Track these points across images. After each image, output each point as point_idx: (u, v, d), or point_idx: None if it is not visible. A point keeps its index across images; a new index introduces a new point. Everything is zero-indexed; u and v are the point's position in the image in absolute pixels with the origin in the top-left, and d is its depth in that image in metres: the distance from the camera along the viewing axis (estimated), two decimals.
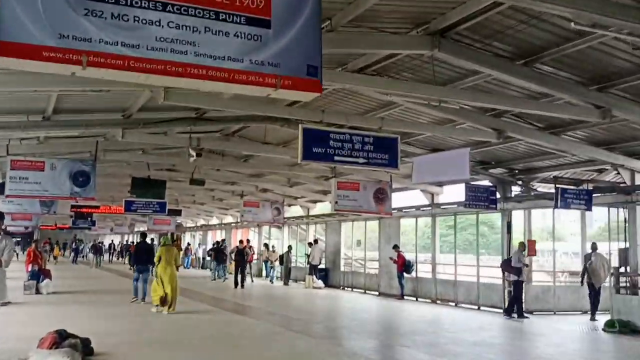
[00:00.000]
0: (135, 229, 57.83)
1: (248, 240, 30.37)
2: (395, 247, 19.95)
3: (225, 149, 17.53)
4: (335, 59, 9.13)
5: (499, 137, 11.50)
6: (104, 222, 55.37)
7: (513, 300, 14.72)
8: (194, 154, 13.03)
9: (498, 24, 7.98)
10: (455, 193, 19.68)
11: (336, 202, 17.31)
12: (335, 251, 25.06)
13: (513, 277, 14.64)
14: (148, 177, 19.39)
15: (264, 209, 26.20)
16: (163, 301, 13.22)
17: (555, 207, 13.26)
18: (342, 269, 24.71)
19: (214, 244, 32.82)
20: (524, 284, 14.80)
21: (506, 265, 14.84)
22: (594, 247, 14.56)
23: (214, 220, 41.08)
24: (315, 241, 24.62)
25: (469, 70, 9.35)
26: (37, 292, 17.77)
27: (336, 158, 10.35)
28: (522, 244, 14.98)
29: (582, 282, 14.36)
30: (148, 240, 19.10)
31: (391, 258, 19.89)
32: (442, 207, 18.88)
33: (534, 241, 16.02)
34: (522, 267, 14.56)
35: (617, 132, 12.02)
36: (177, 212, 32.40)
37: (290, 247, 26.33)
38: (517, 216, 16.87)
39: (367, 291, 22.38)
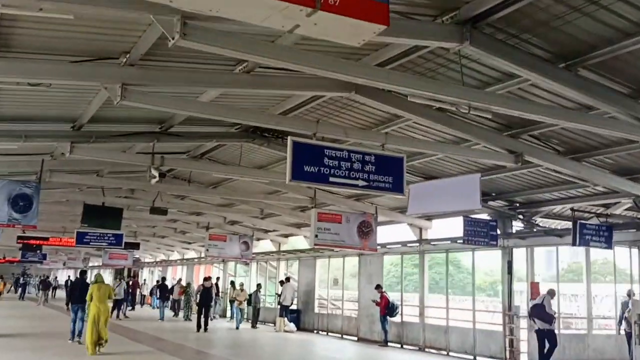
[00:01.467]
0: (90, 264, 54.62)
1: (218, 278, 28.16)
2: (378, 287, 18.04)
3: (193, 172, 15.52)
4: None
5: (516, 160, 9.83)
6: (56, 256, 52.05)
7: (550, 351, 12.67)
8: (156, 174, 11.01)
9: (544, 11, 6.37)
10: (445, 228, 18.05)
11: (316, 236, 15.37)
12: (309, 290, 22.97)
13: (544, 326, 12.71)
14: (102, 204, 17.15)
15: (231, 243, 24.01)
16: (96, 343, 13.11)
17: (574, 244, 11.62)
18: (316, 310, 22.59)
19: (157, 281, 30.57)
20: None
21: (539, 312, 12.75)
22: (630, 293, 13.03)
23: (175, 255, 38.47)
24: (287, 279, 22.51)
25: (497, 74, 7.74)
26: None
27: (332, 179, 8.49)
28: (552, 291, 13.14)
29: (618, 330, 12.77)
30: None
31: (374, 300, 17.96)
32: (432, 243, 17.12)
33: (538, 284, 14.37)
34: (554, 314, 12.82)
35: None
36: (135, 246, 29.85)
37: (259, 286, 24.10)
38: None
39: (344, 336, 20.30)
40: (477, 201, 10.40)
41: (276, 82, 8.03)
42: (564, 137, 10.05)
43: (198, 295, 22.03)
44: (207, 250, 23.62)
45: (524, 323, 14.33)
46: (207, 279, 22.93)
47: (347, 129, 8.73)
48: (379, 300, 17.79)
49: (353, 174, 8.65)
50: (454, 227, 17.70)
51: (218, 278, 28.89)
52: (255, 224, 23.38)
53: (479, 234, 13.97)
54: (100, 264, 44.90)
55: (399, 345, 17.67)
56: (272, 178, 12.85)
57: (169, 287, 29.76)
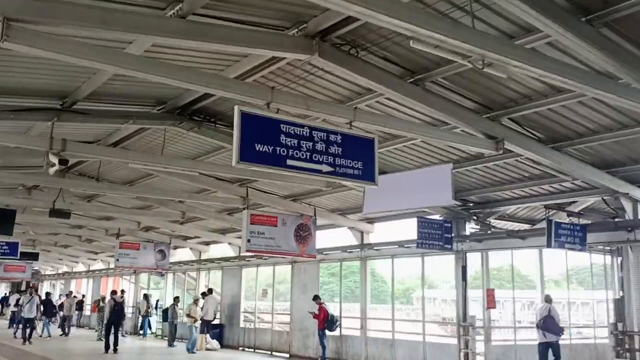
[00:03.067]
0: None
1: (123, 291, 25.27)
2: (316, 298, 16.22)
3: (104, 167, 13.13)
4: None
5: (497, 147, 8.38)
6: None
7: None
8: (55, 161, 8.69)
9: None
10: (387, 232, 16.60)
11: (248, 241, 13.57)
12: (234, 303, 20.80)
13: (553, 338, 11.34)
14: None
15: (145, 251, 21.54)
16: None
17: (549, 245, 10.34)
18: (242, 325, 20.43)
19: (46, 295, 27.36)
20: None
21: (550, 324, 11.35)
22: (548, 299, 11.89)
23: (80, 267, 34.90)
24: (210, 291, 20.23)
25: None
26: None
27: (290, 162, 6.69)
28: (550, 297, 11.80)
29: None
30: None
31: (311, 312, 16.14)
32: (375, 248, 15.54)
33: (493, 290, 13.11)
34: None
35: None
36: (34, 256, 26.45)
37: (177, 299, 21.63)
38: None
39: (274, 352, 18.32)
40: (449, 195, 8.91)
41: (219, 33, 6.11)
42: (548, 120, 8.75)
43: (107, 310, 19.27)
44: (118, 260, 21.00)
45: (479, 335, 13.03)
46: (115, 292, 20.17)
47: (308, 100, 6.91)
48: (316, 312, 16.00)
49: (316, 157, 6.87)
50: (398, 231, 16.33)
51: (123, 291, 26.03)
52: (174, 229, 20.95)
53: (433, 237, 12.53)
54: None
55: None
56: (204, 169, 10.78)
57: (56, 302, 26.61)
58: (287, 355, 17.77)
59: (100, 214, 19.73)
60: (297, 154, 6.73)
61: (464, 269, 13.36)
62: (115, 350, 17.74)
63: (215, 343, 19.50)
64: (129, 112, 9.51)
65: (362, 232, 16.28)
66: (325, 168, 6.92)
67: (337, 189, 13.77)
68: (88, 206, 17.51)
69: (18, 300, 23.21)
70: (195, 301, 19.29)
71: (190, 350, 17.78)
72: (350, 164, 7.10)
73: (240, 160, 6.32)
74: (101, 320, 23.06)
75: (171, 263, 22.73)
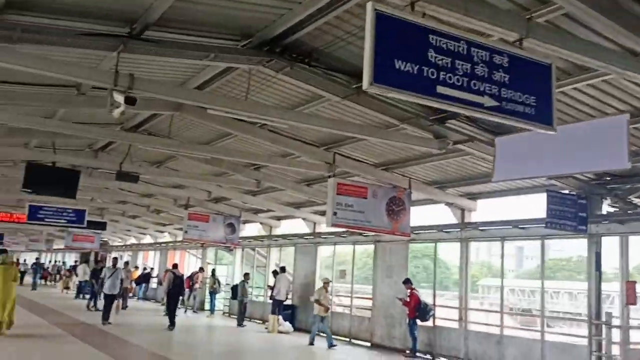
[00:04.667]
0: (55, 246, 49.99)
1: (201, 268, 24.32)
2: (407, 282, 14.25)
3: (176, 122, 11.51)
4: None
5: None
6: (17, 237, 47.39)
7: None
8: (120, 100, 7.04)
9: None
10: (491, 210, 14.38)
11: (335, 214, 11.70)
12: (307, 284, 19.07)
13: None
14: (53, 164, 13.04)
15: (215, 224, 20.15)
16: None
17: None
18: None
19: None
20: None
21: None
22: None
23: (148, 239, 34.22)
24: (282, 269, 18.58)
25: None
26: None
27: (441, 89, 4.73)
28: None
29: None
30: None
31: (400, 298, 14.20)
32: (481, 227, 13.32)
33: (634, 283, 10.71)
34: None
35: None
36: (101, 226, 25.62)
37: (247, 276, 20.14)
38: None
39: (352, 340, 16.50)
40: (622, 156, 6.65)
41: None
42: None
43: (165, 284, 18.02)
44: (186, 232, 19.68)
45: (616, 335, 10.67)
46: (176, 265, 19.02)
47: (468, 2, 4.84)
48: (407, 298, 14.04)
49: (475, 85, 4.87)
50: (505, 209, 14.13)
51: (202, 268, 24.90)
52: (246, 201, 19.39)
53: (565, 215, 10.24)
54: (64, 247, 40.75)
55: (430, 357, 13.94)
56: (295, 120, 8.83)
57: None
58: (369, 344, 15.91)
59: (169, 181, 18.37)
60: (450, 78, 4.75)
61: (599, 256, 10.99)
62: (172, 325, 16.46)
63: (288, 325, 17.88)
64: (208, 44, 7.70)
65: (462, 210, 14.08)
66: (487, 101, 4.90)
67: (436, 157, 11.71)
68: (157, 171, 16.07)
69: (95, 272, 22.14)
70: (326, 284, 15.46)
71: (331, 344, 14.64)
72: (520, 97, 5.05)
73: (374, 81, 4.39)
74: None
75: (240, 238, 21.26)
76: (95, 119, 12.29)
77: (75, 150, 15.50)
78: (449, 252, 18.96)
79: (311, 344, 14.72)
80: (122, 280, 17.38)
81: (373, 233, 15.04)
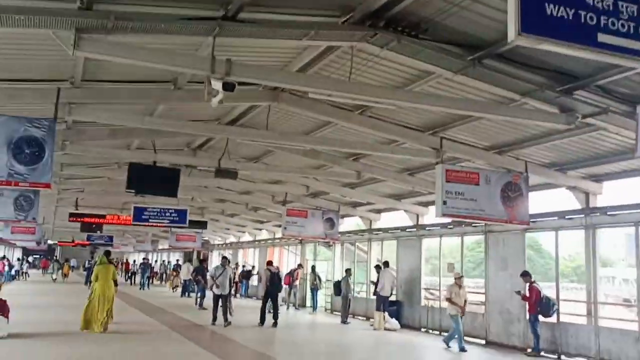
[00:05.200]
0: (160, 247, 52.04)
1: (300, 265, 24.11)
2: (526, 275, 13.08)
3: (274, 112, 11.06)
4: None
5: None
6: (125, 238, 49.75)
7: None
8: (218, 87, 6.59)
9: None
10: (620, 192, 12.88)
11: (444, 203, 10.82)
12: (412, 278, 18.20)
13: None
14: (153, 163, 13.04)
15: (313, 219, 19.74)
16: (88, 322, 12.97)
17: None
18: (422, 303, 17.82)
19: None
20: None
21: None
22: None
23: (247, 237, 34.58)
24: (386, 264, 17.81)
25: None
26: None
27: (602, 37, 3.85)
28: None
29: None
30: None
31: (518, 292, 13.05)
32: (610, 212, 11.91)
33: None
34: None
35: None
36: (202, 225, 25.98)
37: (349, 271, 19.56)
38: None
39: (465, 337, 15.40)
40: None
41: None
42: None
43: (263, 281, 17.82)
44: (285, 228, 19.43)
45: None
46: (271, 262, 18.91)
47: None
48: (525, 293, 12.88)
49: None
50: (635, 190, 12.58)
51: (301, 265, 24.65)
52: (345, 194, 18.80)
53: None
54: (168, 247, 42.15)
55: (555, 357, 12.70)
56: (405, 100, 8.05)
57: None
58: (483, 342, 14.83)
59: (266, 177, 18.14)
60: (613, 23, 3.83)
61: None
62: (275, 323, 16.24)
63: (394, 322, 17.10)
64: (308, 23, 7.10)
65: (586, 194, 12.70)
66: None
67: (556, 136, 10.54)
68: (254, 167, 15.82)
69: (199, 271, 22.50)
70: (458, 280, 13.79)
71: (462, 348, 13.26)
72: None
73: (522, 31, 3.58)
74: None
75: (340, 232, 20.72)
76: (193, 115, 12.13)
77: (175, 150, 15.58)
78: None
79: (448, 346, 13.62)
80: (231, 279, 16.71)
81: (483, 223, 14.03)
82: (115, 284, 13.83)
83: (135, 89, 9.66)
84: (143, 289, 33.14)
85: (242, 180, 16.20)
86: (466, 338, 14.62)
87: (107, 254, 14.55)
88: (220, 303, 15.70)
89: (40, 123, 8.69)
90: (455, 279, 13.94)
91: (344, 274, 19.39)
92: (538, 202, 13.38)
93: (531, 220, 12.48)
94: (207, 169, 15.28)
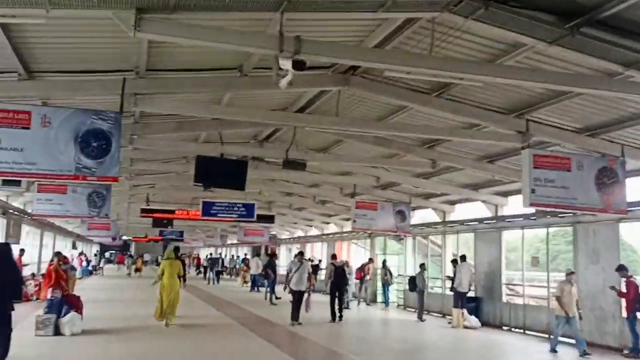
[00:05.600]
0: (229, 241, 52.62)
1: (371, 259, 23.42)
2: (622, 269, 11.91)
3: (344, 96, 10.43)
4: None
5: None
6: (195, 233, 50.60)
7: None
8: (287, 66, 6.03)
9: None
10: None
11: (532, 191, 9.86)
12: (492, 273, 17.15)
13: None
14: (221, 155, 12.69)
15: (384, 212, 19.06)
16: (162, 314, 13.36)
17: None
18: (504, 299, 16.77)
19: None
20: None
21: None
22: None
23: (313, 231, 34.21)
24: (463, 257, 16.84)
25: None
26: (57, 331, 11.54)
27: None
28: None
29: None
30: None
31: (613, 287, 11.91)
32: None
33: None
34: None
35: None
36: (270, 219, 25.74)
37: (423, 266, 18.71)
38: None
39: (552, 336, 14.34)
40: None
41: None
42: None
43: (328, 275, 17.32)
44: (354, 221, 18.83)
45: None
46: (335, 256, 18.62)
47: None
48: (622, 288, 11.72)
49: None
50: None
51: (371, 259, 23.94)
52: (418, 185, 17.96)
53: None
54: (236, 242, 42.43)
55: None
56: (501, 74, 7.20)
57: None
58: (574, 341, 13.68)
59: (335, 169, 17.56)
60: None
61: None
62: (340, 317, 15.83)
63: (474, 320, 16.14)
64: None
65: None
66: None
67: None
68: (323, 157, 15.23)
69: (269, 265, 22.35)
70: (569, 276, 12.31)
71: (584, 353, 11.73)
72: None
73: None
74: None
75: (412, 225, 19.90)
76: (260, 104, 11.70)
77: (241, 143, 15.25)
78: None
79: (553, 350, 12.52)
80: (309, 274, 15.59)
81: (570, 213, 12.90)
82: (183, 279, 13.96)
83: (200, 78, 9.27)
84: (211, 283, 33.40)
85: (309, 172, 15.70)
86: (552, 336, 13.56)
87: (176, 249, 14.84)
88: (297, 299, 14.95)
89: (106, 115, 8.40)
90: (566, 275, 12.55)
91: (419, 269, 18.56)
92: (634, 189, 12.14)
93: (628, 209, 11.32)
94: (274, 161, 14.84)
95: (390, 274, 21.95)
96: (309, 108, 11.46)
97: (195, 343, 11.35)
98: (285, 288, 15.98)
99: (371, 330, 16.10)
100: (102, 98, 9.51)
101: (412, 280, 18.36)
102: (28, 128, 8.08)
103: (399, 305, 22.40)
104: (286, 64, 6.14)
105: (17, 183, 13.84)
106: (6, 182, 13.64)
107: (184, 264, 17.07)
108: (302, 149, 14.02)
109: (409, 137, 12.91)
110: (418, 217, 22.63)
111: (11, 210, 19.02)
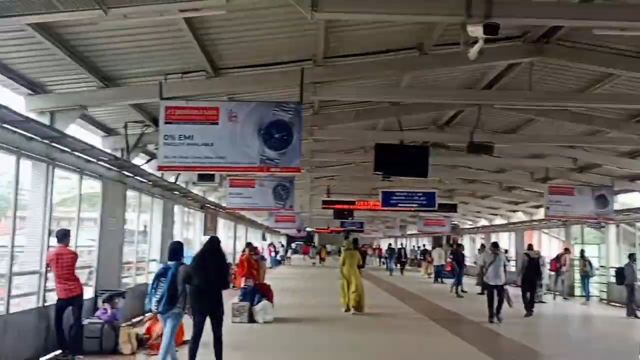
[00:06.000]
0: (408, 232, 52.08)
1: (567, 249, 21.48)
2: None
3: (537, 68, 9.35)
4: None
5: None
6: (374, 224, 50.92)
7: None
8: (478, 32, 5.32)
9: None
10: None
11: None
12: None
13: None
14: (400, 142, 12.22)
15: (581, 197, 17.23)
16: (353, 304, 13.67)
17: None
18: None
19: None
20: None
21: None
22: None
23: (498, 220, 32.33)
24: None
25: None
26: (251, 318, 12.04)
27: None
28: None
29: None
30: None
31: None
32: None
33: None
34: None
35: None
36: (451, 208, 24.73)
37: (632, 257, 16.47)
38: None
39: None
40: None
41: None
42: None
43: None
44: (548, 208, 17.30)
45: None
46: (531, 246, 17.10)
47: None
48: None
49: None
50: None
51: (567, 249, 21.86)
52: (622, 165, 15.85)
53: None
54: (416, 232, 41.71)
55: None
56: None
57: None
58: None
59: (524, 151, 16.17)
60: None
61: None
62: (530, 312, 14.51)
63: None
64: None
65: None
66: None
67: None
68: (511, 139, 13.98)
69: (454, 256, 21.65)
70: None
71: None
72: None
73: None
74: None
75: (615, 211, 17.67)
76: (441, 86, 11.01)
77: (421, 129, 14.63)
78: None
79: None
80: (505, 266, 14.01)
81: None
82: (360, 267, 14.34)
83: (378, 62, 8.89)
84: (392, 273, 33.17)
85: (495, 157, 14.57)
86: None
87: (355, 241, 15.29)
88: (492, 294, 13.48)
89: (287, 106, 8.41)
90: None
91: (627, 259, 16.41)
92: None
93: None
94: (456, 145, 14.00)
95: (590, 265, 19.78)
96: (496, 85, 10.49)
97: (386, 337, 11.02)
98: (478, 283, 15.07)
99: (573, 328, 14.59)
100: (282, 90, 9.55)
101: (620, 272, 16.26)
102: (217, 123, 8.36)
103: (601, 300, 20.14)
104: (476, 31, 5.45)
105: (211, 178, 14.69)
106: (202, 177, 14.53)
107: (364, 255, 17.28)
108: (487, 131, 13.02)
109: (613, 110, 11.29)
110: (620, 202, 20.11)
111: (207, 205, 20.45)
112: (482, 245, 23.94)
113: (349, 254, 14.18)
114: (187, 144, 8.32)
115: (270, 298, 12.80)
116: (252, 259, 13.51)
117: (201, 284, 7.08)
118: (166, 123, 8.30)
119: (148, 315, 9.35)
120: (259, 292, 12.70)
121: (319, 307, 15.22)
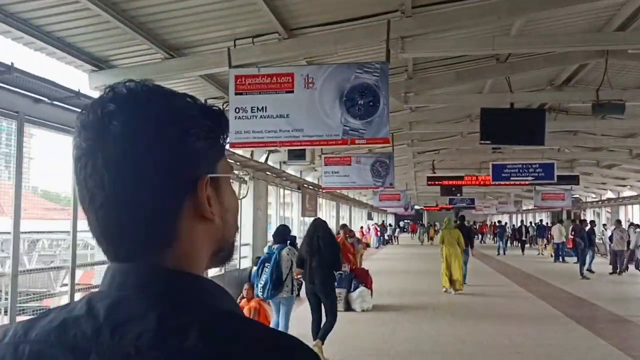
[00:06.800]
0: (524, 207, 48.94)
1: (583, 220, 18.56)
2: None
3: None
4: None
5: None
6: (486, 200, 48.48)
7: None
8: None
9: None
10: None
11: None
12: None
13: None
14: (510, 105, 10.57)
15: None
16: (451, 282, 13.49)
17: None
18: None
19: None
20: None
21: None
22: None
23: (627, 192, 29.05)
24: None
25: None
26: (348, 306, 11.16)
27: None
28: None
29: None
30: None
31: None
32: None
33: None
34: None
35: None
36: (572, 179, 22.30)
37: None
38: None
39: None
40: None
41: None
42: None
43: None
44: None
45: None
46: None
47: None
48: None
49: None
50: None
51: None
52: None
53: None
54: (533, 207, 38.75)
55: None
56: None
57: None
58: None
59: None
60: None
61: None
62: None
63: None
64: None
65: None
66: None
67: None
68: None
69: (579, 232, 19.46)
70: None
71: None
72: None
73: None
74: None
75: None
76: (559, 31, 9.25)
77: (535, 91, 12.79)
78: None
79: None
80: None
81: None
82: (468, 247, 14.39)
83: (479, 6, 7.42)
84: (503, 252, 30.81)
85: (623, 120, 12.45)
86: None
87: (462, 218, 15.65)
88: None
89: (371, 67, 7.23)
90: None
91: None
92: None
93: None
94: (577, 109, 12.08)
95: None
96: (631, 26, 8.60)
97: (499, 330, 9.61)
98: (611, 262, 13.10)
99: None
100: (365, 48, 8.35)
101: None
102: (292, 92, 7.39)
103: None
104: None
105: (302, 156, 13.79)
106: (292, 156, 13.67)
107: (471, 233, 16.52)
108: (616, 87, 11.01)
109: None
110: None
111: (305, 185, 19.71)
112: (618, 221, 21.20)
113: (448, 232, 13.99)
114: (260, 117, 7.42)
115: (368, 284, 11.77)
116: (347, 242, 12.51)
117: (313, 265, 7.18)
118: (236, 94, 7.45)
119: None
120: (355, 277, 11.71)
121: (422, 293, 13.93)
